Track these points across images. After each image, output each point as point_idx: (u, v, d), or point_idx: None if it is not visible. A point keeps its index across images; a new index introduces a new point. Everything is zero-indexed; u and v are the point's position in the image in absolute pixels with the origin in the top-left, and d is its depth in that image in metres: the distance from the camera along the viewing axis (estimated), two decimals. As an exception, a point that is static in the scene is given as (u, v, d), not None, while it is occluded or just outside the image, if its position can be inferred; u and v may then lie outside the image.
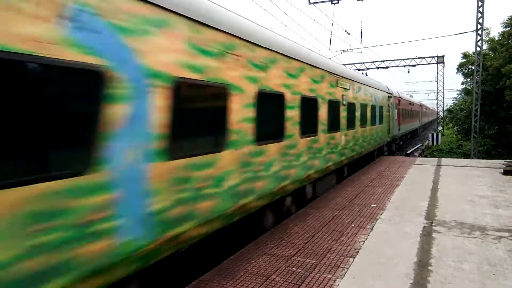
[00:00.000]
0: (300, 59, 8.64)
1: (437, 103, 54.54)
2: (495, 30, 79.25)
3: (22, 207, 3.00)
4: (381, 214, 8.56)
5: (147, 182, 4.21)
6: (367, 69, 42.76)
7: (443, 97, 52.97)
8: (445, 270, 5.54)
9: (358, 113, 14.04)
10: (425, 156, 29.86)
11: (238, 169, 6.07)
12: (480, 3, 22.46)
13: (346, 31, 28.34)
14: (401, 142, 31.71)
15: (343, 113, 12.04)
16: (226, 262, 5.97)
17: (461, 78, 34.89)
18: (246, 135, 6.26)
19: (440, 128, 55.36)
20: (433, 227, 7.57)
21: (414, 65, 42.45)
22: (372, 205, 9.45)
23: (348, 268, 5.64)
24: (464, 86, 36.42)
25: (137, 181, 4.08)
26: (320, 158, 9.93)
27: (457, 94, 67.53)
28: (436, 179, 13.04)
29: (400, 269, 5.58)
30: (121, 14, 3.86)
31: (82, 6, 3.44)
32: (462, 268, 5.60)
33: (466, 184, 12.03)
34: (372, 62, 42.57)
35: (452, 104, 54.34)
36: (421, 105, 51.78)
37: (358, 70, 40.29)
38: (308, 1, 27.02)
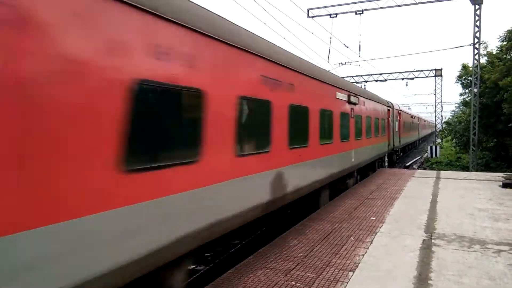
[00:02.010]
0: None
1: (435, 116, 54.79)
2: (493, 43, 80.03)
3: None
4: (380, 227, 8.53)
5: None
6: (366, 81, 43.03)
7: (441, 110, 53.24)
8: (445, 284, 5.51)
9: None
10: (424, 169, 29.86)
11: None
12: (477, 18, 22.74)
13: (344, 44, 28.65)
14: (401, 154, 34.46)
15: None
16: (225, 275, 5.93)
17: (459, 90, 35.19)
18: None
19: (438, 140, 55.46)
20: (433, 241, 7.54)
21: (412, 78, 42.83)
22: (372, 218, 9.42)
23: (347, 283, 5.60)
24: (462, 97, 36.63)
25: None
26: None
27: (456, 107, 67.82)
28: (435, 192, 13.03)
29: (399, 283, 5.54)
30: None
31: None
32: (462, 282, 5.57)
33: (466, 197, 12.02)
34: (371, 75, 42.87)
35: (450, 117, 54.55)
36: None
37: (357, 83, 40.52)
38: (307, 15, 27.39)
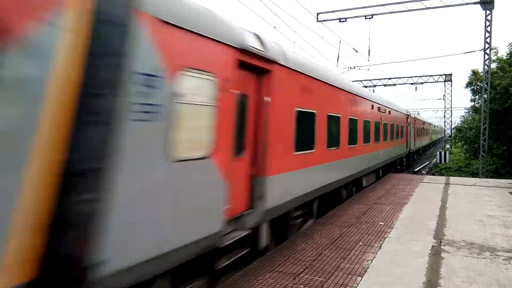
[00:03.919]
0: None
1: (444, 121, 54.45)
2: (504, 49, 79.33)
3: None
4: (389, 233, 8.51)
5: None
6: (374, 86, 42.91)
7: (451, 115, 52.84)
8: (455, 290, 5.48)
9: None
10: (433, 174, 29.65)
11: None
12: (488, 23, 22.61)
13: (353, 48, 28.62)
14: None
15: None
16: (233, 278, 5.96)
17: (468, 96, 34.96)
18: None
19: (448, 146, 55.06)
20: (442, 247, 7.50)
21: (422, 83, 42.58)
22: (380, 223, 9.39)
23: (356, 287, 5.60)
24: (473, 103, 36.41)
25: None
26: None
27: (465, 112, 67.30)
28: (444, 197, 12.94)
29: (408, 289, 5.52)
30: None
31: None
32: (472, 289, 5.54)
33: (475, 203, 11.92)
34: (380, 79, 42.73)
35: (460, 122, 54.27)
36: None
37: (366, 87, 40.42)
38: (316, 19, 27.44)
